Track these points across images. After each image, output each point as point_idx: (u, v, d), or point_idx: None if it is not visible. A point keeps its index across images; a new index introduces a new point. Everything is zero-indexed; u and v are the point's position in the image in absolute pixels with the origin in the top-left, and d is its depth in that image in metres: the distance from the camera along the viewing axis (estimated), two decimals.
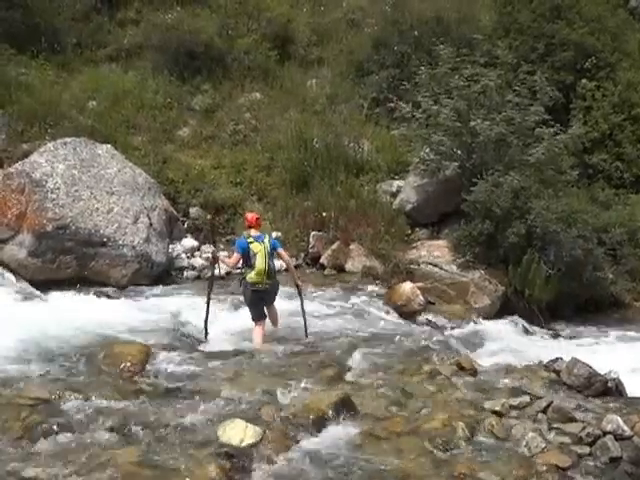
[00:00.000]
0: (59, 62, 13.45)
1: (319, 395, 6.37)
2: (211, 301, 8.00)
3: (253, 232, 7.82)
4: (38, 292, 9.12)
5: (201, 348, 7.76)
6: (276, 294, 8.08)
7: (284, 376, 6.96)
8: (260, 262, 7.62)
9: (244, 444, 5.59)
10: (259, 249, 7.65)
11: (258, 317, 7.92)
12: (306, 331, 8.17)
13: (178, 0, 15.18)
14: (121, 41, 14.43)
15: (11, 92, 11.94)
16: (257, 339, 7.84)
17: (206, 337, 7.88)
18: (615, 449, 5.69)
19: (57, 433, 5.58)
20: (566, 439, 5.93)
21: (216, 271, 8.20)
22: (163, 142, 12.32)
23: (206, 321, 7.91)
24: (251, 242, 7.69)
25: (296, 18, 15.94)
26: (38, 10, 13.67)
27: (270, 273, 7.78)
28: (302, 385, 6.67)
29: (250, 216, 8.00)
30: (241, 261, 7.79)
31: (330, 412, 6.05)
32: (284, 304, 8.80)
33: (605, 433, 5.89)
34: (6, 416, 5.78)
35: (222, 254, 8.50)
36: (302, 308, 8.18)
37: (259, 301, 7.90)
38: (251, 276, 7.68)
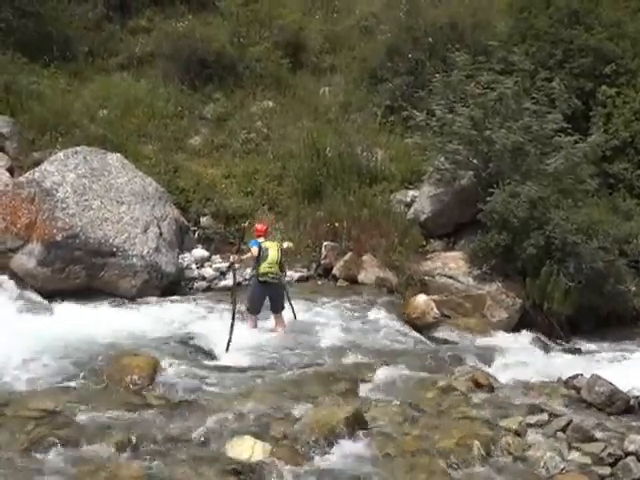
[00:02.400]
0: (71, 70, 13.50)
1: (330, 410, 6.30)
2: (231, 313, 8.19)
3: (262, 240, 8.65)
4: (46, 302, 9.08)
5: (211, 361, 7.68)
6: (282, 297, 8.64)
7: (295, 391, 6.92)
8: (273, 253, 8.50)
9: (252, 460, 5.54)
10: (271, 245, 8.63)
11: (254, 310, 8.54)
12: (294, 313, 8.82)
13: (190, 8, 15.23)
14: (133, 49, 14.43)
15: (23, 101, 11.98)
16: (249, 325, 8.47)
17: (228, 349, 7.89)
18: (638, 470, 5.64)
19: (63, 445, 5.59)
20: (586, 459, 5.83)
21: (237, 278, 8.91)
22: (174, 151, 12.27)
23: (231, 333, 7.94)
24: (263, 242, 8.58)
25: (308, 25, 15.92)
26: (50, 19, 13.73)
27: (281, 265, 8.60)
28: (313, 400, 6.62)
29: (260, 226, 8.90)
30: (255, 258, 8.50)
31: (341, 428, 6.02)
32: (292, 317, 8.80)
33: (627, 454, 5.80)
34: (13, 428, 5.81)
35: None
36: (287, 295, 8.83)
37: (263, 294, 8.51)
38: (263, 266, 8.42)
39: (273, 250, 8.52)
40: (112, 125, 12.20)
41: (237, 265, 8.79)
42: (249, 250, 8.61)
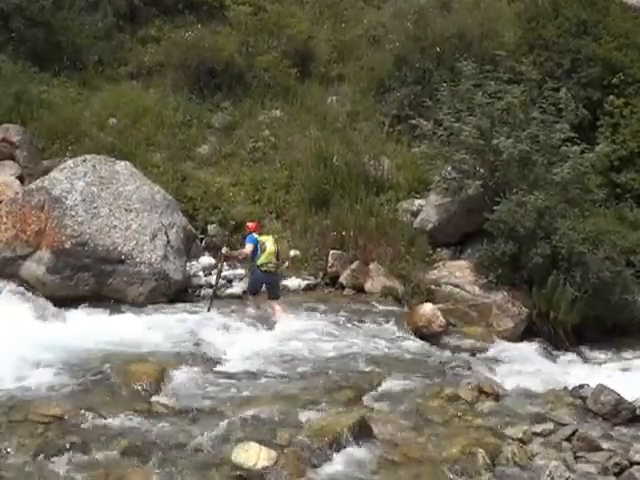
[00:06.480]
0: (80, 80, 13.56)
1: (335, 418, 6.33)
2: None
3: (256, 235, 9.46)
4: (55, 309, 9.11)
5: (217, 368, 7.71)
6: (279, 287, 9.60)
7: (300, 398, 6.93)
8: (270, 246, 9.33)
9: (258, 467, 5.58)
10: (267, 238, 9.48)
11: (252, 292, 9.49)
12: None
13: (199, 18, 15.31)
14: (142, 59, 14.49)
15: (33, 109, 12.06)
16: (254, 304, 9.34)
17: (209, 310, 9.30)
18: None
19: (71, 451, 5.66)
20: (592, 469, 5.81)
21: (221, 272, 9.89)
22: (182, 159, 12.32)
23: (211, 301, 9.41)
24: (258, 237, 9.39)
25: (317, 35, 15.95)
26: (61, 29, 13.79)
27: (278, 257, 9.47)
28: (318, 407, 6.66)
29: (251, 224, 9.70)
30: (253, 253, 9.29)
31: (346, 436, 6.03)
32: (299, 325, 8.87)
33: (633, 463, 5.78)
34: (22, 433, 5.87)
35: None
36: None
37: (262, 280, 9.36)
38: (262, 259, 9.22)
39: (270, 242, 9.37)
40: (121, 134, 12.27)
41: (225, 253, 9.67)
42: (243, 246, 9.55)
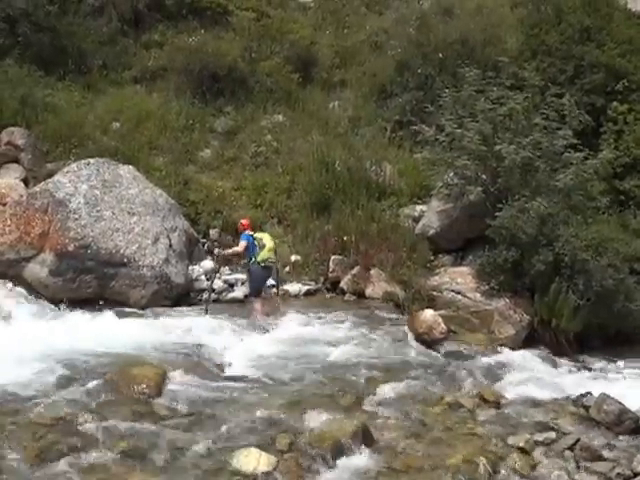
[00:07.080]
0: (85, 84, 13.59)
1: (336, 424, 6.33)
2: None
3: (251, 233, 9.69)
4: (57, 311, 9.15)
5: (218, 373, 7.72)
6: (276, 281, 9.82)
7: (301, 404, 6.93)
8: (269, 241, 9.61)
9: (257, 472, 5.57)
10: (263, 235, 9.78)
11: (257, 293, 9.61)
12: (278, 291, 10.05)
13: (202, 23, 15.33)
14: (145, 63, 14.51)
15: (38, 113, 12.09)
16: (258, 309, 9.42)
17: (206, 313, 9.40)
18: None
19: (72, 453, 5.70)
20: (594, 479, 5.76)
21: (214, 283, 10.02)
22: (185, 163, 12.33)
23: (208, 299, 9.64)
24: (253, 234, 9.62)
25: (319, 41, 16.00)
26: (66, 33, 13.85)
27: (275, 253, 9.72)
28: (319, 413, 6.63)
29: (245, 221, 9.96)
30: (248, 251, 9.50)
31: (347, 442, 6.04)
32: (300, 330, 8.87)
33: (636, 474, 5.76)
34: (23, 435, 5.91)
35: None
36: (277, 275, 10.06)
37: (263, 278, 9.61)
38: (262, 254, 9.43)
39: (267, 239, 9.66)
40: (124, 137, 12.29)
41: (218, 253, 10.22)
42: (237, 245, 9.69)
